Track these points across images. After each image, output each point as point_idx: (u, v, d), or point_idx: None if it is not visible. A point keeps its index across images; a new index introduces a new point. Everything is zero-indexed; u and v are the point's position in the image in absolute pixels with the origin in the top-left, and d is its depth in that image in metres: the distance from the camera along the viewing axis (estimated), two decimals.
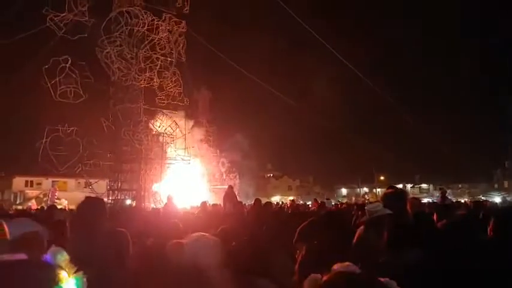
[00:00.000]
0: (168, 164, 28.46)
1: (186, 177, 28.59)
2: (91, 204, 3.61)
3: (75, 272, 1.20)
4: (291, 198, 39.00)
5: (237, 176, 34.64)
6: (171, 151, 28.52)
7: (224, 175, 33.71)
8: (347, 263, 1.45)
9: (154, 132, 27.68)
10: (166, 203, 13.18)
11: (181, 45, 29.13)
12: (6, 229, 2.25)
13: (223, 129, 36.16)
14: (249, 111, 47.39)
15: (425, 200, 18.75)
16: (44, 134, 23.40)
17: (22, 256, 1.31)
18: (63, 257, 1.19)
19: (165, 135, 27.97)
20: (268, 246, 2.97)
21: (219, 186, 32.05)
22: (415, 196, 12.97)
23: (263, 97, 46.46)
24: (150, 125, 27.61)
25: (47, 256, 1.23)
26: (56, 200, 39.78)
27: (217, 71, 45.19)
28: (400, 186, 14.76)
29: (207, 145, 32.80)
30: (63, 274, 1.10)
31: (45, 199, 40.66)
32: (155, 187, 27.04)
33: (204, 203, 12.40)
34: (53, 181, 48.13)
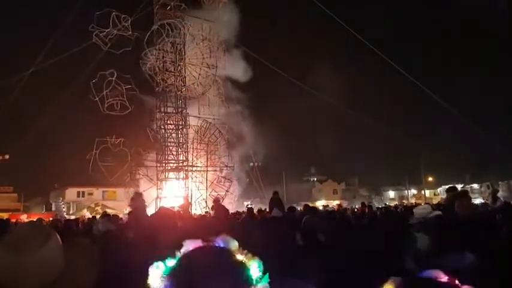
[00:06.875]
0: (212, 171, 28.81)
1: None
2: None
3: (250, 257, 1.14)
4: (337, 202, 38.53)
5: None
6: (215, 158, 28.86)
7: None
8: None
9: (198, 140, 28.12)
10: (215, 208, 12.86)
11: (222, 53, 29.56)
12: None
13: (262, 135, 36.20)
14: (288, 112, 47.06)
15: (477, 201, 17.99)
16: (93, 145, 24.26)
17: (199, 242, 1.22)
18: (234, 244, 1.14)
19: (209, 142, 28.36)
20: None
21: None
22: None
23: (305, 100, 46.05)
24: (195, 133, 28.10)
25: (220, 242, 1.17)
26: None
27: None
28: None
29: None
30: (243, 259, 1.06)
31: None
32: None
33: (249, 208, 12.68)
34: (103, 191, 49.90)
